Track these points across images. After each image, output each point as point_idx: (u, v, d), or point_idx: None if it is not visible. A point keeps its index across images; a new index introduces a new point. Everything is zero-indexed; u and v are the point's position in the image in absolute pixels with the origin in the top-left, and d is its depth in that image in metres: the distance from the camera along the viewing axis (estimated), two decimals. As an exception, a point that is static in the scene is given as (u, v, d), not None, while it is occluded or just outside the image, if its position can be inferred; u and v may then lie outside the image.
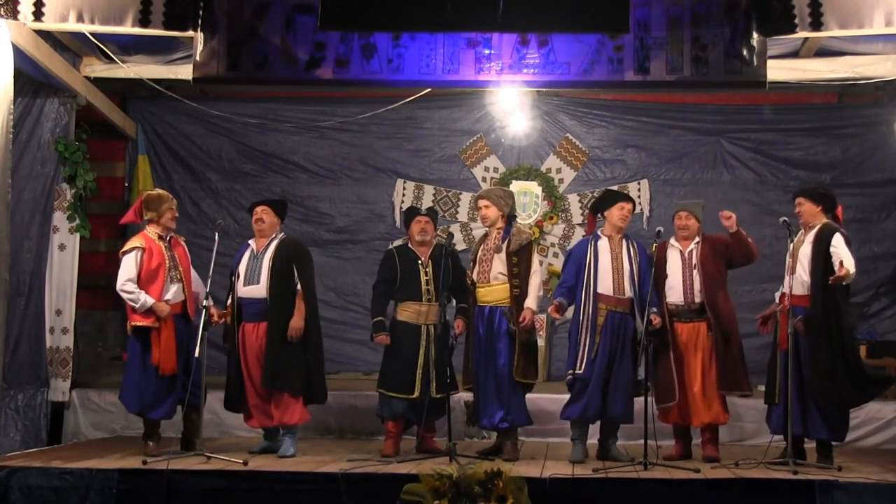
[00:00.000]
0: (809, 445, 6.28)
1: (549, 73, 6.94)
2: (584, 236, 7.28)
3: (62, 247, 8.07)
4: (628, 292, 6.43)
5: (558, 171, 9.71)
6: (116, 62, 8.09)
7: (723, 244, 6.50)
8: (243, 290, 6.64)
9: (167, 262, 6.49)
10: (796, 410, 6.03)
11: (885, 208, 9.40)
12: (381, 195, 9.77)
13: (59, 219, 8.07)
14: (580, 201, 9.62)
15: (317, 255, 7.74)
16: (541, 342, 7.53)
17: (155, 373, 6.38)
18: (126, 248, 6.52)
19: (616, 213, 6.57)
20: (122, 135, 9.42)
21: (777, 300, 6.39)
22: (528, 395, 6.61)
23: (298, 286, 6.60)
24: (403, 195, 9.70)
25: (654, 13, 6.79)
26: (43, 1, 6.55)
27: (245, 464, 5.92)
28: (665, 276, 6.56)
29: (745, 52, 6.74)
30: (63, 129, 8.06)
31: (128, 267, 6.41)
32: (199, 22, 6.83)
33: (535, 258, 6.66)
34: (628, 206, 6.65)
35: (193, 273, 6.75)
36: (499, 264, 6.56)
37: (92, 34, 7.39)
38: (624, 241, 6.57)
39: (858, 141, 9.45)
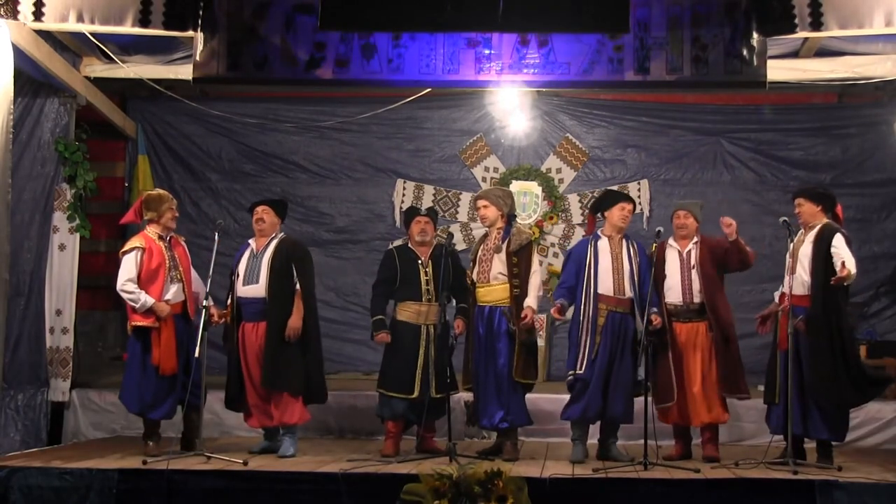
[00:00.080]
0: (809, 445, 6.28)
1: (549, 73, 6.94)
2: (584, 236, 7.28)
3: (62, 247, 8.08)
4: (628, 292, 6.43)
5: (558, 171, 9.71)
6: (116, 62, 8.09)
7: (721, 248, 6.50)
8: (243, 290, 6.64)
9: (167, 262, 6.49)
10: (796, 410, 6.03)
11: (885, 208, 9.40)
12: (381, 195, 9.77)
13: (59, 219, 8.07)
14: (580, 201, 9.62)
15: (317, 255, 7.74)
16: (541, 342, 7.54)
17: (155, 373, 6.38)
18: (126, 248, 6.52)
19: (616, 213, 6.57)
20: (122, 135, 9.42)
21: (777, 300, 6.39)
22: (528, 395, 6.60)
23: (297, 286, 6.59)
24: (403, 195, 9.70)
25: (654, 13, 6.79)
26: (43, 1, 6.55)
27: (245, 464, 5.92)
28: (664, 277, 6.56)
29: (745, 52, 6.74)
30: (63, 129, 8.06)
31: (128, 267, 6.41)
32: (199, 22, 6.84)
33: (535, 258, 6.66)
34: (629, 206, 6.65)
35: (193, 273, 6.75)
36: (499, 264, 6.56)
37: (92, 34, 7.39)
38: (624, 241, 6.57)
39: (858, 141, 9.45)
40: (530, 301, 6.43)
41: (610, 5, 6.47)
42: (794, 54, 8.07)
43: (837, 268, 5.93)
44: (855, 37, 7.27)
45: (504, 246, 6.55)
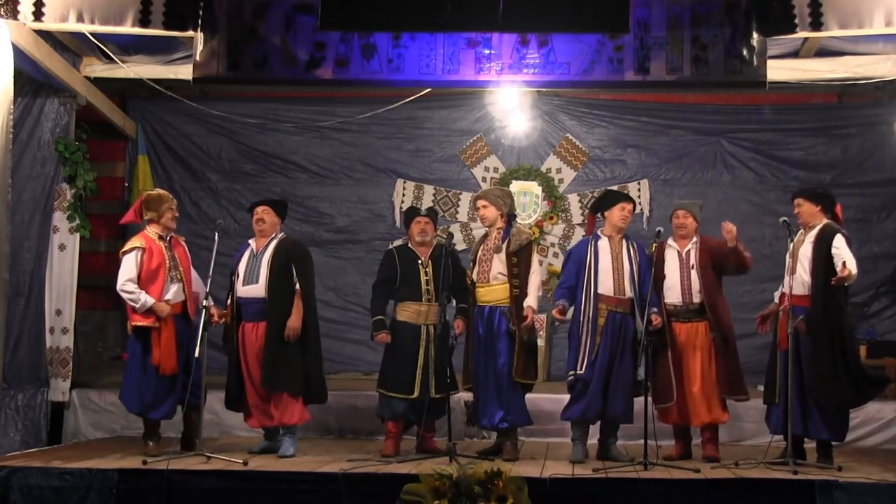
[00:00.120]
0: (809, 445, 6.28)
1: (549, 73, 6.94)
2: (584, 236, 7.28)
3: (62, 247, 8.08)
4: (629, 292, 6.42)
5: (558, 171, 9.71)
6: (116, 62, 8.09)
7: (720, 250, 6.50)
8: (242, 290, 6.64)
9: (167, 262, 6.49)
10: (796, 410, 6.03)
11: (885, 208, 9.40)
12: (381, 195, 9.77)
13: (59, 219, 8.07)
14: (580, 201, 9.62)
15: (317, 255, 7.74)
16: (540, 342, 7.53)
17: (155, 373, 6.38)
18: (126, 248, 6.52)
19: (617, 213, 6.57)
20: (122, 135, 9.42)
21: (776, 300, 6.39)
22: (528, 395, 6.60)
23: (297, 286, 6.59)
24: (403, 195, 9.70)
25: (654, 13, 6.79)
26: (43, 1, 6.55)
27: (245, 464, 5.92)
28: (663, 277, 6.56)
29: (745, 52, 6.74)
30: (63, 129, 8.06)
31: (128, 267, 6.41)
32: (199, 22, 6.84)
33: (535, 258, 6.66)
34: (629, 206, 6.65)
35: (194, 273, 6.75)
36: (498, 264, 6.56)
37: (92, 34, 7.39)
38: (624, 241, 6.57)
39: (858, 141, 9.45)
40: (530, 301, 6.43)
41: (610, 5, 6.47)
42: (794, 54, 8.07)
43: (838, 268, 5.93)
44: (855, 37, 7.27)
45: (504, 246, 6.55)
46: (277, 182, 9.76)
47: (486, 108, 9.57)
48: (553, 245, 9.66)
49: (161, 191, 6.89)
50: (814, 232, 6.21)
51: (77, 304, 8.19)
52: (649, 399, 6.19)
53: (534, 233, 9.37)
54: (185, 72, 7.56)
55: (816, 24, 6.50)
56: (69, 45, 7.95)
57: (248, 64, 6.94)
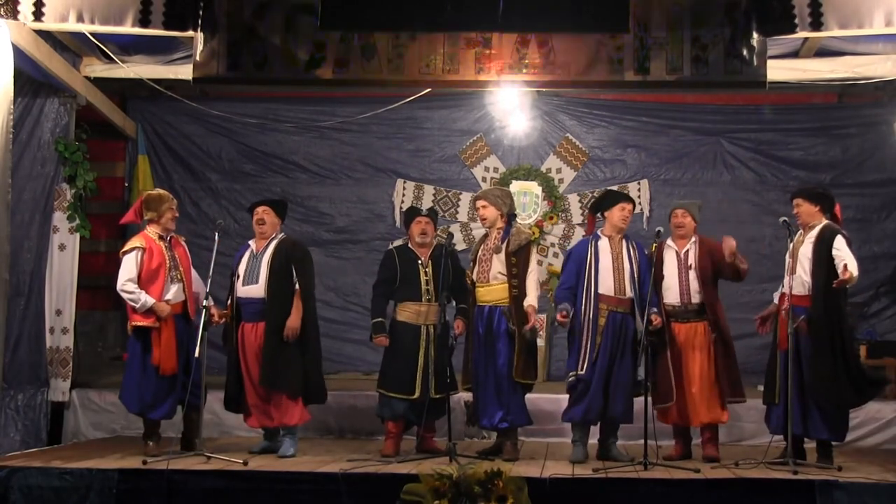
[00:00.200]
0: (809, 445, 6.28)
1: (549, 73, 6.94)
2: (584, 236, 7.28)
3: (62, 247, 8.08)
4: (629, 292, 6.42)
5: (558, 171, 9.71)
6: (116, 62, 8.09)
7: (719, 252, 6.50)
8: (242, 290, 6.64)
9: (167, 262, 6.49)
10: (796, 410, 6.03)
11: (885, 208, 9.41)
12: (381, 195, 9.77)
13: (59, 219, 8.07)
14: (580, 201, 9.62)
15: (317, 255, 7.74)
16: (540, 342, 7.52)
17: (155, 373, 6.38)
18: (126, 248, 6.52)
19: (617, 213, 6.57)
20: (122, 135, 9.42)
21: (776, 301, 6.39)
22: (528, 396, 6.60)
23: (297, 286, 6.59)
24: (403, 195, 9.70)
25: (654, 13, 6.79)
26: (43, 1, 6.55)
27: (245, 464, 5.92)
28: (662, 277, 6.56)
29: (745, 52, 6.74)
30: (63, 129, 8.06)
31: (128, 267, 6.41)
32: (199, 22, 6.83)
33: (534, 258, 6.64)
34: (629, 206, 6.65)
35: (194, 273, 6.75)
36: (498, 264, 6.55)
37: (92, 34, 7.40)
38: (624, 241, 6.57)
39: (858, 141, 9.46)
40: (531, 300, 6.43)
41: (610, 5, 6.48)
42: (794, 54, 8.07)
43: (839, 270, 5.92)
44: (855, 37, 7.27)
45: (503, 246, 6.55)
46: (277, 182, 9.76)
47: (486, 108, 9.58)
48: (553, 245, 9.66)
49: (161, 191, 6.89)
50: (814, 232, 6.21)
51: (77, 304, 8.19)
52: (649, 399, 6.19)
53: (534, 233, 9.37)
54: (185, 72, 7.57)
55: (816, 24, 6.50)
56: (69, 45, 7.96)
57: (248, 64, 6.93)
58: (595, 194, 8.81)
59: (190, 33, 6.91)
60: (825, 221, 6.24)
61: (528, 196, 9.66)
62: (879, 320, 9.21)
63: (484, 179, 9.68)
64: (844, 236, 6.11)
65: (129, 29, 6.77)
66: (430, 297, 6.66)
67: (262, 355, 6.50)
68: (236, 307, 6.67)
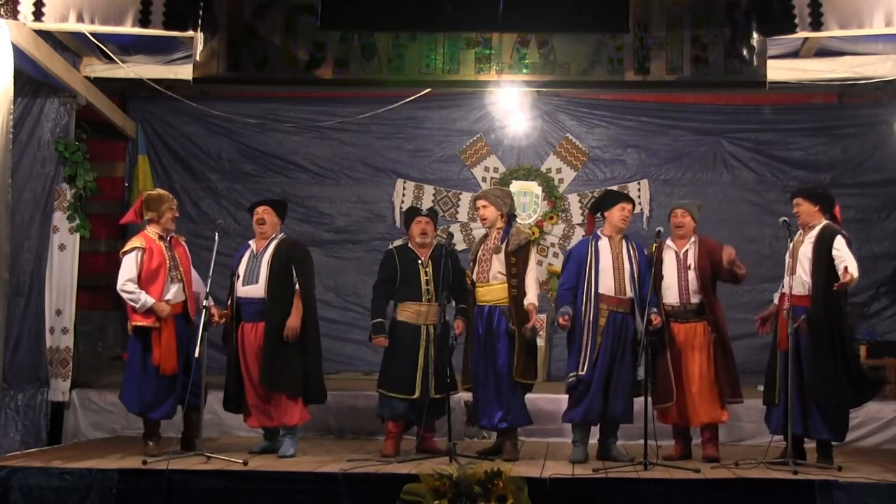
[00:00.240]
0: (809, 445, 6.28)
1: (549, 73, 6.94)
2: (583, 236, 7.28)
3: (62, 247, 8.07)
4: (629, 292, 6.42)
5: (558, 171, 9.71)
6: (116, 62, 8.09)
7: (718, 254, 6.50)
8: (242, 290, 6.64)
9: (167, 262, 6.49)
10: (796, 410, 6.03)
11: (885, 208, 9.41)
12: (381, 195, 9.77)
13: (59, 219, 8.07)
14: (580, 201, 9.62)
15: (317, 255, 7.74)
16: (540, 342, 7.52)
17: (155, 373, 6.38)
18: (126, 248, 6.52)
19: (617, 213, 6.57)
20: (122, 135, 9.42)
21: (776, 301, 6.39)
22: (528, 395, 6.60)
23: (297, 286, 6.59)
24: (403, 195, 9.70)
25: (654, 13, 6.79)
26: (43, 1, 6.55)
27: (245, 464, 5.92)
28: (661, 277, 6.56)
29: (745, 52, 6.73)
30: (63, 129, 8.06)
31: (128, 267, 6.41)
32: (199, 22, 6.83)
33: (533, 257, 6.64)
34: (629, 206, 6.65)
35: (194, 273, 6.75)
36: (497, 264, 6.55)
37: (92, 34, 7.40)
38: (624, 241, 6.57)
39: (858, 141, 9.46)
40: (531, 298, 6.43)
41: (610, 5, 6.48)
42: (794, 54, 8.07)
43: (840, 272, 5.92)
44: (855, 37, 7.27)
45: (503, 246, 6.55)
46: (277, 182, 9.76)
47: (486, 108, 9.58)
48: (553, 245, 9.66)
49: (161, 191, 6.89)
50: (814, 232, 6.21)
51: (77, 304, 8.19)
52: (649, 399, 6.19)
53: (534, 233, 9.37)
54: (185, 72, 7.56)
55: (816, 24, 6.50)
56: (69, 45, 7.96)
57: (248, 64, 6.93)
58: (595, 194, 8.81)
59: (190, 33, 6.91)
60: (825, 221, 6.24)
61: (528, 196, 9.66)
62: (879, 320, 9.22)
63: (484, 179, 9.68)
64: (844, 236, 6.11)
65: (129, 29, 6.77)
66: (431, 297, 6.66)
67: (262, 355, 6.50)
68: (236, 307, 6.67)
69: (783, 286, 6.25)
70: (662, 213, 8.93)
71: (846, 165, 9.45)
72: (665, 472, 5.83)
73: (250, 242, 6.81)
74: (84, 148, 8.22)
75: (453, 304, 6.79)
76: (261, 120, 9.68)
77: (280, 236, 6.77)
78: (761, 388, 6.52)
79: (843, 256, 5.99)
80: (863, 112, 9.44)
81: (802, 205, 6.31)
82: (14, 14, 6.50)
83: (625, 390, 6.35)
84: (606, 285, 6.41)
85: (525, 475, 5.45)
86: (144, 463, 5.89)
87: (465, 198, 9.62)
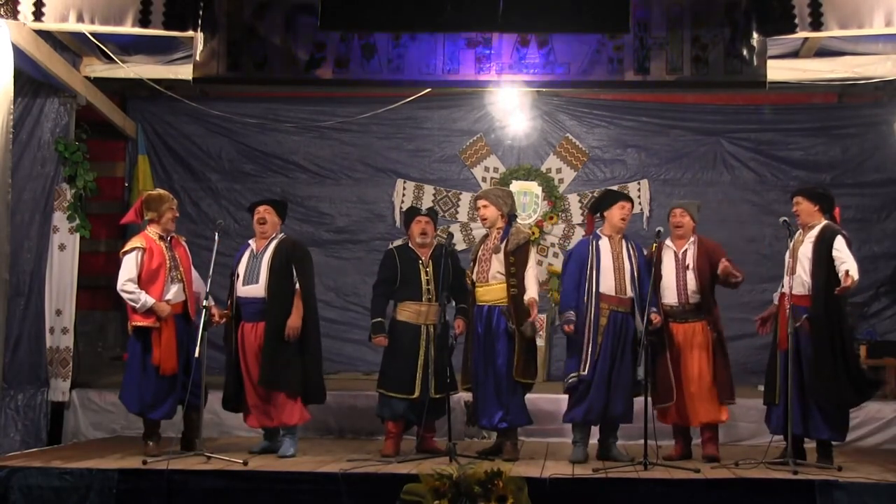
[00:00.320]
0: (809, 445, 6.28)
1: (549, 73, 6.94)
2: (583, 236, 7.28)
3: (62, 247, 8.07)
4: (629, 292, 6.42)
5: (558, 171, 9.71)
6: (116, 62, 8.09)
7: (717, 254, 6.50)
8: (242, 290, 6.64)
9: (168, 262, 6.49)
10: (797, 410, 6.03)
11: (885, 208, 9.41)
12: (381, 195, 9.78)
13: (59, 219, 8.07)
14: (580, 201, 9.62)
15: (317, 255, 7.74)
16: (540, 342, 7.53)
17: (155, 373, 6.38)
18: (126, 248, 6.52)
19: (617, 212, 6.56)
20: (122, 135, 9.43)
21: (776, 301, 6.39)
22: (528, 396, 6.60)
23: (297, 286, 6.59)
24: (403, 195, 9.71)
25: (654, 13, 6.80)
26: (43, 1, 6.55)
27: (245, 464, 5.92)
28: (660, 277, 6.56)
29: (745, 52, 6.74)
30: (63, 129, 8.06)
31: (128, 267, 6.41)
32: (199, 22, 6.84)
33: (533, 256, 6.63)
34: (628, 205, 6.65)
35: (194, 273, 6.75)
36: (497, 264, 6.55)
37: (92, 34, 7.40)
38: (623, 241, 6.57)
39: (858, 141, 9.46)
40: (531, 293, 6.42)
41: (610, 5, 6.47)
42: (794, 54, 8.07)
43: (840, 274, 5.92)
44: (855, 37, 7.27)
45: (502, 246, 6.55)
46: (277, 182, 9.77)
47: (486, 108, 9.58)
48: (553, 245, 9.66)
49: (161, 191, 6.89)
50: (814, 232, 6.20)
51: (77, 304, 8.19)
52: (649, 399, 6.19)
53: (533, 233, 9.38)
54: (185, 72, 7.56)
55: (816, 24, 6.50)
56: (69, 45, 7.96)
57: (248, 64, 6.94)
58: (595, 194, 8.81)
59: (190, 33, 6.91)
60: (825, 221, 6.24)
61: (528, 196, 9.67)
62: (879, 320, 9.22)
63: (484, 179, 9.68)
64: (845, 237, 6.11)
65: (129, 29, 6.78)
66: (431, 297, 6.66)
67: (262, 355, 6.50)
68: (236, 307, 6.67)
69: (783, 286, 6.25)
70: (662, 213, 8.90)
71: (846, 165, 9.46)
72: (665, 472, 5.83)
73: (250, 242, 6.81)
74: (84, 148, 8.22)
75: (453, 303, 6.79)
76: (261, 120, 9.68)
77: (280, 236, 6.77)
78: (761, 388, 6.52)
79: (844, 258, 5.99)
80: (863, 112, 9.44)
81: (802, 204, 6.31)
82: (14, 14, 6.50)
83: (625, 390, 6.35)
84: (607, 285, 6.41)
85: (525, 475, 5.45)
86: (144, 463, 5.89)
87: (465, 198, 9.62)
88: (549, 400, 7.34)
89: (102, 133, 8.98)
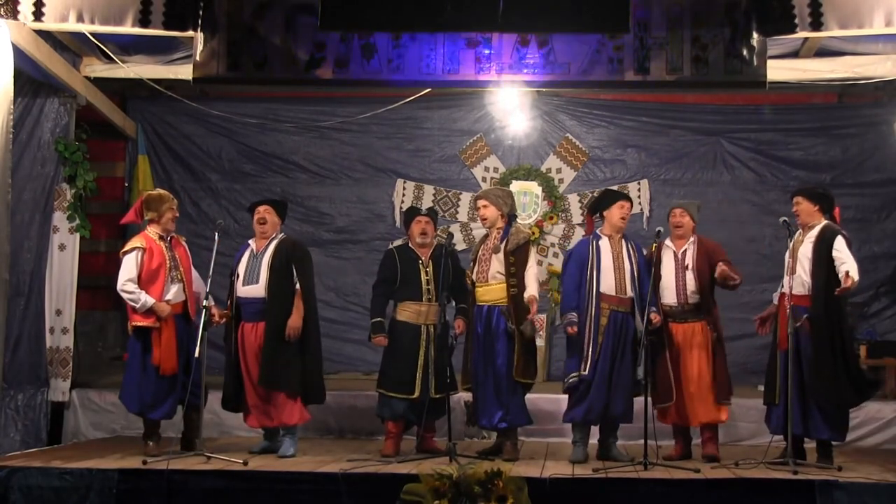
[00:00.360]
0: (809, 445, 6.28)
1: (549, 73, 6.95)
2: (583, 236, 7.28)
3: (62, 247, 8.07)
4: (629, 292, 6.42)
5: (558, 171, 9.71)
6: (116, 62, 8.09)
7: (717, 255, 6.50)
8: (242, 290, 6.64)
9: (168, 262, 6.49)
10: (797, 410, 6.03)
11: (885, 208, 9.41)
12: (381, 195, 9.78)
13: (59, 219, 8.07)
14: (580, 201, 9.62)
15: (317, 255, 7.74)
16: (540, 342, 7.53)
17: (155, 373, 6.38)
18: (127, 248, 6.52)
19: (616, 212, 6.56)
20: (122, 135, 9.43)
21: (775, 301, 6.39)
22: (528, 396, 6.59)
23: (297, 286, 6.59)
24: (403, 195, 9.71)
25: (654, 13, 6.80)
26: (43, 1, 6.56)
27: (245, 464, 5.92)
28: (659, 277, 6.56)
29: (745, 52, 6.74)
30: (63, 129, 8.06)
31: (128, 267, 6.41)
32: (199, 22, 6.84)
33: (533, 255, 6.63)
34: (627, 204, 6.65)
35: (194, 273, 6.75)
36: (497, 264, 6.55)
37: (92, 34, 7.40)
38: (623, 241, 6.57)
39: (858, 141, 9.46)
40: (531, 290, 6.42)
41: (610, 5, 6.47)
42: (794, 54, 8.07)
43: (840, 275, 5.92)
44: (855, 37, 7.27)
45: (502, 246, 6.55)
46: (277, 182, 9.77)
47: (486, 108, 9.58)
48: (553, 245, 9.66)
49: (161, 191, 6.89)
50: (814, 232, 6.20)
51: (77, 304, 8.19)
52: (649, 399, 6.19)
53: (533, 233, 9.37)
54: (185, 72, 7.56)
55: (816, 24, 6.50)
56: (69, 45, 7.96)
57: (248, 64, 6.94)
58: (595, 194, 8.80)
59: (190, 33, 6.92)
60: (825, 221, 6.24)
61: (528, 196, 9.67)
62: (879, 320, 9.22)
63: (484, 179, 9.68)
64: (845, 237, 6.11)
65: (129, 29, 6.78)
66: (431, 297, 6.66)
67: (262, 355, 6.49)
68: (236, 307, 6.67)
69: (783, 286, 6.25)
70: (662, 213, 8.90)
71: (846, 165, 9.45)
72: (665, 472, 5.83)
73: (250, 242, 6.81)
74: (84, 148, 8.22)
75: (453, 303, 6.79)
76: (261, 120, 9.68)
77: (280, 236, 6.77)
78: (761, 388, 6.52)
79: (844, 258, 5.99)
80: (863, 112, 9.44)
81: (802, 204, 6.31)
82: (14, 14, 6.50)
83: (625, 390, 6.35)
84: (608, 284, 6.41)
85: (525, 475, 5.45)
86: (144, 463, 5.89)
87: (465, 198, 9.62)
88: (549, 400, 7.34)
89: (102, 133, 8.98)
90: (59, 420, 7.86)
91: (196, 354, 6.21)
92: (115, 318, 9.17)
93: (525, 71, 6.95)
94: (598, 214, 6.74)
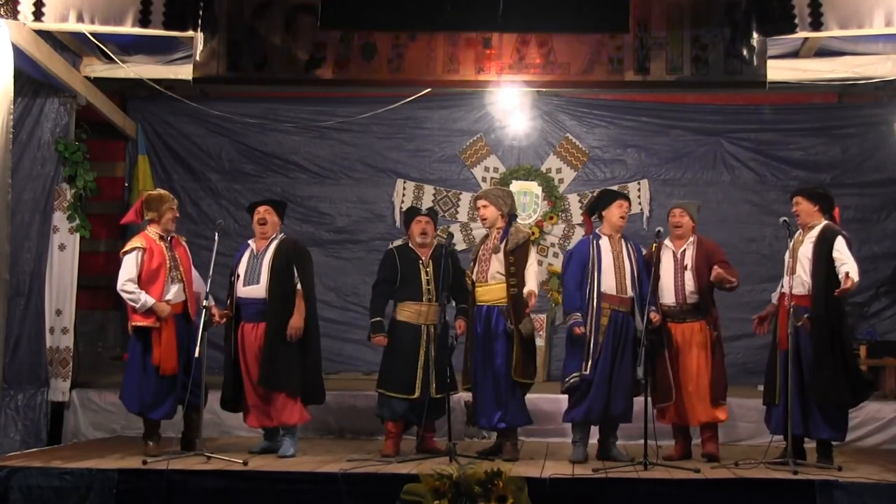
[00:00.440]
0: (809, 445, 6.28)
1: (549, 73, 6.95)
2: (583, 236, 7.27)
3: (62, 247, 8.07)
4: (630, 291, 6.42)
5: (558, 171, 9.72)
6: (116, 62, 8.09)
7: (716, 255, 6.49)
8: (243, 291, 6.64)
9: (168, 262, 6.49)
10: (797, 410, 6.03)
11: (885, 208, 9.41)
12: (381, 195, 9.78)
13: (59, 219, 8.07)
14: (580, 201, 9.62)
15: (317, 255, 7.74)
16: (540, 342, 7.52)
17: (155, 373, 6.38)
18: (127, 248, 6.52)
19: (615, 211, 6.56)
20: (122, 135, 9.43)
21: (774, 301, 6.39)
22: (528, 396, 6.59)
23: (298, 286, 6.59)
24: (403, 195, 9.71)
25: (654, 13, 6.80)
26: (43, 1, 6.55)
27: (245, 464, 5.92)
28: (658, 277, 6.55)
29: (745, 52, 6.74)
30: (63, 129, 8.06)
31: (128, 267, 6.41)
32: (199, 22, 6.84)
33: (533, 254, 6.63)
34: (626, 203, 6.65)
35: (194, 273, 6.75)
36: (496, 264, 6.55)
37: (92, 34, 7.40)
38: (622, 240, 6.57)
39: (858, 141, 9.46)
40: (531, 286, 6.41)
41: (610, 5, 6.48)
42: (794, 54, 8.07)
43: (840, 276, 5.92)
44: (855, 37, 7.27)
45: (502, 246, 6.55)
46: (277, 182, 9.77)
47: (486, 108, 9.58)
48: (553, 245, 9.67)
49: (161, 191, 6.89)
50: (814, 232, 6.20)
51: (77, 304, 8.19)
52: (649, 399, 6.19)
53: (533, 233, 9.38)
54: (185, 72, 7.57)
55: (816, 24, 6.50)
56: (69, 45, 7.96)
57: (248, 64, 6.94)
58: (593, 195, 8.80)
59: (190, 33, 6.92)
60: (825, 221, 6.24)
61: (528, 196, 9.67)
62: (879, 320, 9.22)
63: (484, 179, 9.68)
64: (845, 237, 6.11)
65: (129, 29, 6.77)
66: (431, 297, 6.66)
67: (263, 355, 6.49)
68: (236, 307, 6.67)
69: (782, 286, 6.25)
70: (662, 213, 8.89)
71: (846, 165, 9.46)
72: (665, 472, 5.83)
73: (250, 242, 6.81)
74: (84, 148, 8.22)
75: (453, 304, 6.79)
76: (261, 120, 9.68)
77: (280, 236, 6.77)
78: (761, 388, 6.52)
79: (844, 259, 5.99)
80: (863, 112, 9.44)
81: (802, 204, 6.31)
82: (14, 14, 6.50)
83: (625, 390, 6.35)
84: (608, 284, 6.41)
85: (525, 475, 5.45)
86: (144, 463, 5.89)
87: (465, 198, 9.62)
88: (549, 400, 7.34)
89: (102, 133, 8.98)
90: (59, 420, 7.86)
91: (196, 354, 6.21)
92: (115, 318, 9.17)
93: (525, 71, 6.95)
94: (596, 214, 6.74)
